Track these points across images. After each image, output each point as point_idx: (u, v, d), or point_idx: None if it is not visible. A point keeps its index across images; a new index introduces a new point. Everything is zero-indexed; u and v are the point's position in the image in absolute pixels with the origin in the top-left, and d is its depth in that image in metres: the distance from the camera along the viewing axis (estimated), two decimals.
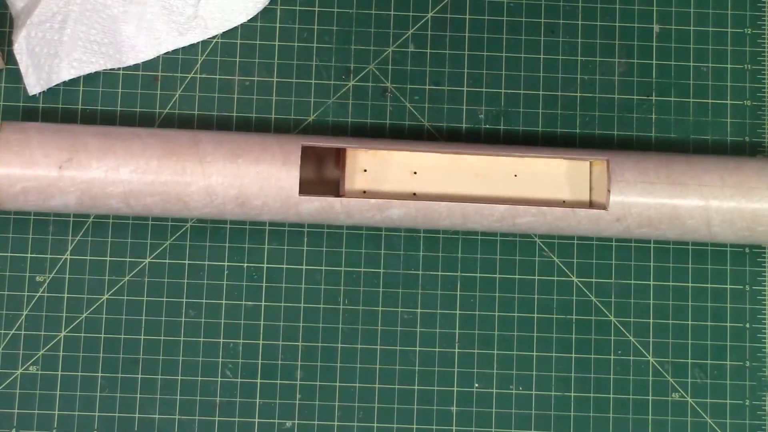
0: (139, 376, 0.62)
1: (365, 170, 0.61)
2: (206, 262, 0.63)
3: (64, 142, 0.58)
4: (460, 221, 0.59)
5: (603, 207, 0.59)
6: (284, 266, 0.63)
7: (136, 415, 0.61)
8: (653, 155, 0.60)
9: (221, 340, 0.62)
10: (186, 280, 0.63)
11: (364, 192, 0.61)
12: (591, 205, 0.61)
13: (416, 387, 0.62)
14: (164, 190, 0.58)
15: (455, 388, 0.62)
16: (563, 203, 0.61)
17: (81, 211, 0.59)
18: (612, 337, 0.63)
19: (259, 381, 0.62)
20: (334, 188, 0.61)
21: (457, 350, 0.63)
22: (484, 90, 0.65)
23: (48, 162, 0.57)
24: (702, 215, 0.59)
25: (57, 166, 0.57)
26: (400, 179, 0.61)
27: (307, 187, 0.60)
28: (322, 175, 0.62)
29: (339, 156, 0.61)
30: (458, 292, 0.63)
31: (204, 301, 0.62)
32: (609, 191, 0.59)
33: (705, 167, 0.59)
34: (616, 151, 0.61)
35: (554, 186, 0.61)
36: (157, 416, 0.61)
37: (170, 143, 0.58)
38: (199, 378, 0.62)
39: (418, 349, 0.63)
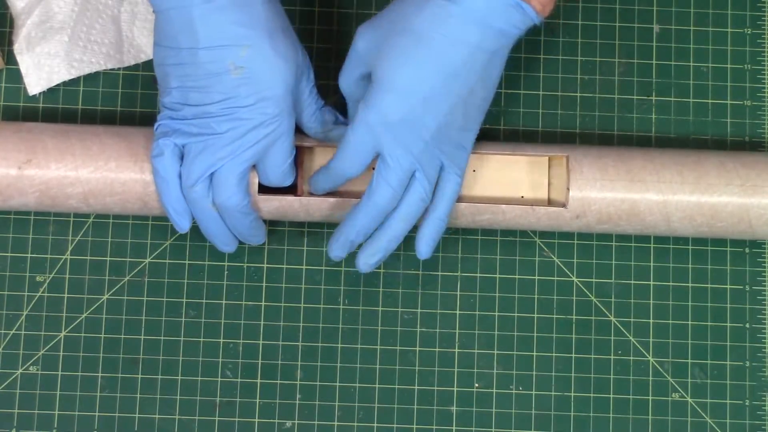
0: (139, 376, 0.62)
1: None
2: (206, 262, 0.63)
3: (22, 144, 0.57)
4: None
5: (562, 204, 0.59)
6: (284, 266, 0.63)
7: (136, 415, 0.61)
8: (612, 150, 0.60)
9: (221, 340, 0.62)
10: (186, 280, 0.63)
11: None
12: (550, 201, 0.60)
13: (416, 387, 0.62)
14: (123, 190, 0.57)
15: (455, 388, 0.62)
16: (521, 198, 0.60)
17: (41, 210, 0.59)
18: (612, 337, 0.63)
19: (259, 381, 0.62)
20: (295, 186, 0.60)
21: (457, 350, 0.63)
22: None
23: (7, 163, 0.57)
24: (661, 211, 0.58)
25: (16, 167, 0.57)
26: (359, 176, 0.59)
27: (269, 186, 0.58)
28: None
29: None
30: (458, 292, 0.63)
31: (204, 301, 0.62)
32: (568, 189, 0.58)
33: (664, 163, 0.59)
34: (574, 145, 0.61)
35: (513, 181, 0.61)
36: (157, 416, 0.61)
37: (128, 142, 0.58)
38: (199, 378, 0.62)
39: (418, 349, 0.63)
